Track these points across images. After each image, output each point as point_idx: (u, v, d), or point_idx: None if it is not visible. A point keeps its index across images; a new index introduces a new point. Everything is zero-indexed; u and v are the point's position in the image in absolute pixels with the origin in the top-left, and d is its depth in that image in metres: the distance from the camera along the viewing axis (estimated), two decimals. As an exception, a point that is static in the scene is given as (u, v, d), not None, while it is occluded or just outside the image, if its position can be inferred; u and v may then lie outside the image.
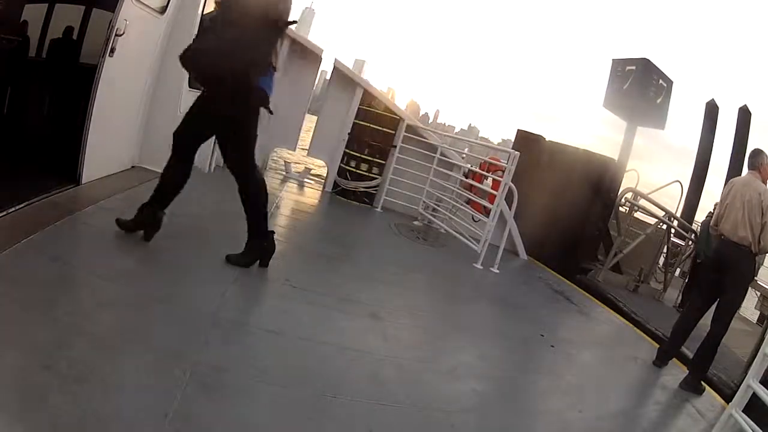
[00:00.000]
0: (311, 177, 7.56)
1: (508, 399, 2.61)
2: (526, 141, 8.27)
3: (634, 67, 11.80)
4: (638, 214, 7.82)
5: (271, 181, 6.69)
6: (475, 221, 5.98)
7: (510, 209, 5.78)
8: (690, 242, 7.78)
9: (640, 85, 11.66)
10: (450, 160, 6.52)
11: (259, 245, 3.09)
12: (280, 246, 4.06)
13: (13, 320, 1.91)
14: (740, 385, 2.68)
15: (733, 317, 3.62)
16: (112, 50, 3.59)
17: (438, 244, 5.71)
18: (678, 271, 7.99)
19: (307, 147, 7.27)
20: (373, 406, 2.12)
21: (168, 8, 4.41)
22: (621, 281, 7.29)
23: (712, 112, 10.83)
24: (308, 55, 6.97)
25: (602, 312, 5.09)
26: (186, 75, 4.77)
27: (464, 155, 7.09)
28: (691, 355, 3.76)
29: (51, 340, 1.84)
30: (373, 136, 6.63)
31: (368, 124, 6.63)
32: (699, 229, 7.55)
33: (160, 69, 4.61)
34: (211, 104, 2.88)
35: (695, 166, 11.01)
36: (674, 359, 3.88)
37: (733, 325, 3.80)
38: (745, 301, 8.04)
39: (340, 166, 6.82)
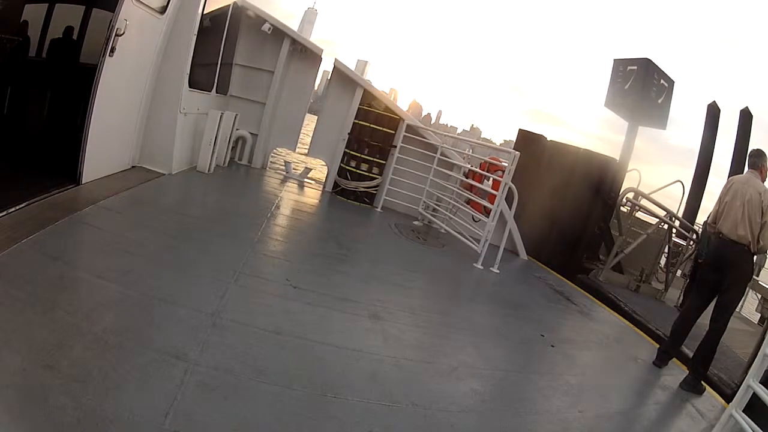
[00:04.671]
0: (311, 177, 7.56)
1: (508, 399, 2.61)
2: (527, 141, 8.29)
3: (635, 67, 11.80)
4: (640, 214, 7.81)
5: (271, 181, 6.70)
6: (475, 221, 5.98)
7: (510, 209, 5.78)
8: (691, 242, 7.77)
9: (641, 85, 11.67)
10: (450, 160, 6.52)
11: None
12: (280, 246, 4.08)
13: (13, 320, 1.91)
14: (740, 385, 2.68)
15: (732, 316, 3.61)
16: (112, 50, 3.60)
17: (438, 244, 5.71)
18: (679, 272, 7.98)
19: (308, 147, 7.28)
20: (373, 406, 2.12)
21: (168, 8, 4.42)
22: (622, 281, 7.28)
23: (713, 114, 10.83)
24: (309, 55, 6.98)
25: (603, 312, 5.08)
26: (186, 75, 4.79)
27: (467, 155, 7.09)
28: (691, 355, 3.76)
29: (51, 340, 1.84)
30: (373, 136, 6.63)
31: (368, 124, 6.63)
32: (701, 230, 7.53)
33: (160, 69, 4.62)
34: None
35: (697, 167, 11.01)
36: (674, 359, 3.88)
37: (733, 326, 3.80)
38: (746, 302, 8.03)
39: (340, 166, 6.82)
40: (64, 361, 1.75)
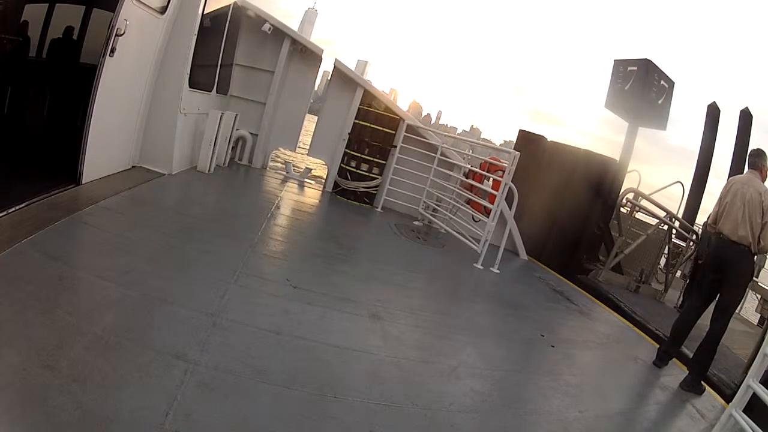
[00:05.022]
0: (311, 177, 7.56)
1: (508, 399, 2.61)
2: (527, 141, 8.29)
3: (635, 68, 11.81)
4: (639, 215, 7.82)
5: (271, 181, 6.70)
6: (475, 221, 5.98)
7: (510, 209, 5.78)
8: (691, 243, 7.78)
9: (641, 86, 11.67)
10: (450, 160, 6.52)
11: None
12: (280, 246, 4.08)
13: (13, 320, 1.91)
14: (740, 385, 2.68)
15: (732, 316, 3.62)
16: (112, 50, 3.60)
17: (438, 244, 5.71)
18: (679, 272, 7.98)
19: (308, 147, 7.29)
20: (373, 406, 2.12)
21: (168, 8, 4.42)
22: (622, 281, 7.28)
23: (713, 114, 10.84)
24: (309, 55, 6.98)
25: (603, 312, 5.08)
26: (186, 75, 4.79)
27: (467, 155, 7.09)
28: (691, 355, 3.76)
29: (51, 340, 1.84)
30: (373, 136, 6.63)
31: (368, 124, 6.63)
32: (701, 231, 7.54)
33: (160, 69, 4.62)
34: None
35: (696, 168, 11.02)
36: (674, 359, 3.88)
37: (733, 327, 3.80)
38: (746, 303, 8.03)
39: (340, 166, 6.82)
40: (64, 361, 1.75)
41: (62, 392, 1.61)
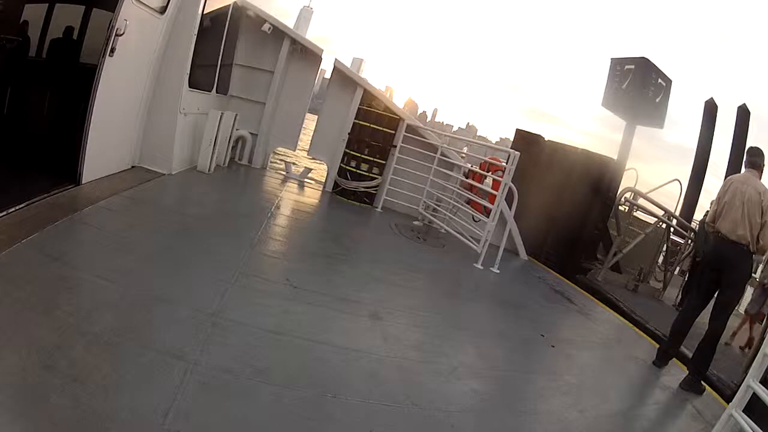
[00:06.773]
0: (311, 177, 7.55)
1: (508, 399, 2.61)
2: (525, 141, 8.27)
3: (633, 66, 11.79)
4: (638, 214, 7.82)
5: (271, 181, 6.69)
6: (475, 221, 5.98)
7: (510, 209, 5.78)
8: (689, 241, 7.79)
9: (639, 84, 11.65)
10: (450, 160, 6.52)
11: None
12: (280, 246, 4.08)
13: (13, 320, 1.91)
14: (740, 385, 2.68)
15: (731, 315, 3.62)
16: (112, 50, 3.59)
17: (438, 244, 5.71)
18: (677, 269, 7.99)
19: (307, 147, 7.28)
20: (373, 406, 2.12)
21: (168, 8, 4.41)
22: (621, 280, 7.29)
23: (710, 111, 10.83)
24: (308, 54, 6.98)
25: (602, 312, 5.09)
26: (186, 75, 4.78)
27: (464, 155, 7.09)
28: (690, 355, 3.76)
29: (51, 340, 1.84)
30: (373, 136, 6.63)
31: (368, 124, 6.63)
32: (698, 228, 7.55)
33: (160, 69, 4.61)
34: None
35: (694, 165, 11.02)
36: (674, 359, 3.88)
37: (732, 324, 3.80)
38: (744, 300, 8.03)
39: (340, 166, 6.82)
40: (64, 361, 1.75)
41: (62, 392, 1.61)
